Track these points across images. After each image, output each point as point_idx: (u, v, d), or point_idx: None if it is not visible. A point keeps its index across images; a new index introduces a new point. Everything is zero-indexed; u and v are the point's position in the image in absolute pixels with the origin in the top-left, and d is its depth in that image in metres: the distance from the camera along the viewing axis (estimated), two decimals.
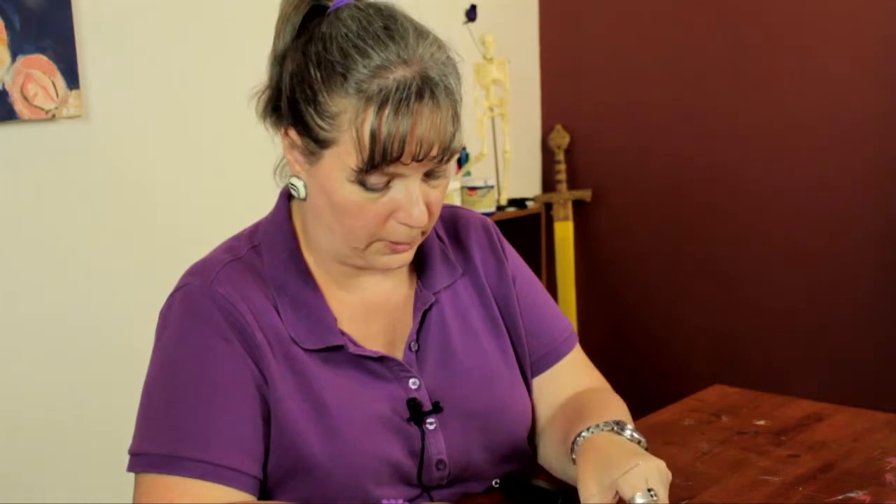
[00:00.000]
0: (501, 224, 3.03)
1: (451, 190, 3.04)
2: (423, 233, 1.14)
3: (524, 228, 3.29)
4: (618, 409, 1.23)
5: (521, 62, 3.44)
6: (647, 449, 1.13)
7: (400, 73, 1.03)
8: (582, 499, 1.05)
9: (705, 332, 3.28)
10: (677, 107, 3.23)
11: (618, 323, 3.51)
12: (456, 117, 1.06)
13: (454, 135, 1.06)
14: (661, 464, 1.05)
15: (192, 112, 2.51)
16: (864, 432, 1.41)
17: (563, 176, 3.47)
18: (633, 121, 3.35)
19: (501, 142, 3.25)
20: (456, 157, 1.11)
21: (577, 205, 3.51)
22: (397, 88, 1.02)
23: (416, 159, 1.04)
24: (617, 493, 1.03)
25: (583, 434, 1.14)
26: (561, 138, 3.49)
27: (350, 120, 1.04)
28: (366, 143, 1.03)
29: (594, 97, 3.44)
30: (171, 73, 2.47)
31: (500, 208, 3.21)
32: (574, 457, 1.13)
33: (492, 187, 3.09)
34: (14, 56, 2.13)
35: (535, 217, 3.32)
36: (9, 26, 2.12)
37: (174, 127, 2.48)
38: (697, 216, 3.25)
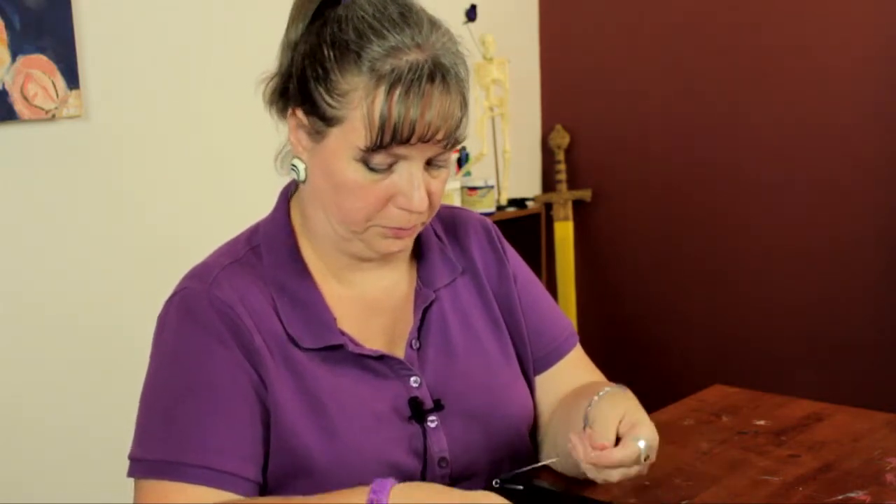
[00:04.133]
0: (501, 224, 3.03)
1: (451, 190, 3.04)
2: (421, 223, 1.15)
3: (524, 228, 3.28)
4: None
5: (521, 62, 3.44)
6: None
7: (413, 57, 1.05)
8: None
9: (705, 332, 3.28)
10: (678, 107, 3.23)
11: (618, 323, 3.50)
12: (464, 104, 1.10)
13: (461, 121, 1.10)
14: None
15: (192, 112, 2.51)
16: (864, 432, 1.41)
17: (563, 176, 3.47)
18: (633, 121, 3.35)
19: (501, 142, 3.25)
20: (459, 145, 1.13)
21: (577, 205, 3.50)
22: (409, 69, 1.04)
23: (423, 140, 1.06)
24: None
25: (601, 392, 1.17)
26: (561, 138, 3.49)
27: (361, 98, 1.05)
28: (375, 122, 1.05)
29: (594, 97, 3.44)
30: (171, 73, 2.46)
31: (500, 208, 3.21)
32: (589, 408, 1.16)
33: (492, 187, 3.09)
34: (14, 56, 2.13)
35: (535, 217, 3.32)
36: (9, 26, 2.12)
37: (174, 127, 2.48)
38: (697, 216, 3.25)
